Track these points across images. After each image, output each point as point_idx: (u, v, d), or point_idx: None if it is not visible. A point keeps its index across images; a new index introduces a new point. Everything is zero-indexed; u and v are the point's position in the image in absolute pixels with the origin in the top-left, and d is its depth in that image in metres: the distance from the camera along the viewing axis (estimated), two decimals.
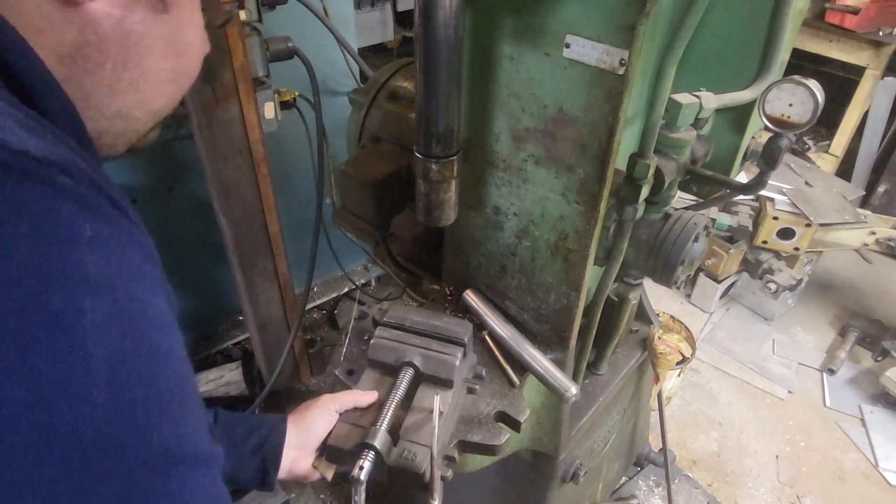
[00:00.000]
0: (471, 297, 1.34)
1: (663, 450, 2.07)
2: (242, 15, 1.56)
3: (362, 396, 1.11)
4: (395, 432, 1.06)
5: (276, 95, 1.81)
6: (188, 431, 0.48)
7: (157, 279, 0.50)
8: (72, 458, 0.40)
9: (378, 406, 1.10)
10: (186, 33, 0.63)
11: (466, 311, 1.35)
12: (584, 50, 0.90)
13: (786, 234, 2.89)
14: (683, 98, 1.12)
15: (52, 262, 0.41)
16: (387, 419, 1.04)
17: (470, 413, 1.17)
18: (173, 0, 0.59)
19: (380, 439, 1.01)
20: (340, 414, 1.09)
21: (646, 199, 1.15)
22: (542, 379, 1.23)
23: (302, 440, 1.04)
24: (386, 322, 1.21)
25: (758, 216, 3.01)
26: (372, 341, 1.18)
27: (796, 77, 1.09)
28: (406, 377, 1.12)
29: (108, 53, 0.55)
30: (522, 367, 1.25)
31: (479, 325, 1.31)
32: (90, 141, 0.58)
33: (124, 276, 0.46)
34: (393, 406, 1.07)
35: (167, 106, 0.66)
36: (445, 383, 1.12)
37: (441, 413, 1.06)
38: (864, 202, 3.76)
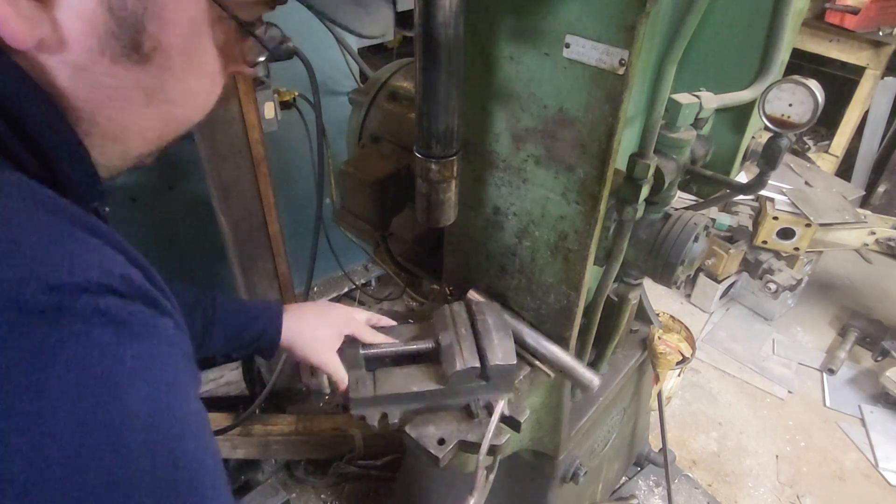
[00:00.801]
0: (474, 297, 1.34)
1: (663, 450, 2.07)
2: None
3: (376, 337, 1.19)
4: (375, 365, 1.18)
5: (276, 95, 1.82)
6: None
7: (191, 378, 0.49)
8: None
9: (384, 336, 1.20)
10: (183, 82, 0.56)
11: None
12: (584, 50, 0.90)
13: (786, 234, 2.89)
14: (683, 98, 1.12)
15: (93, 416, 0.39)
16: (377, 350, 1.16)
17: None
18: (158, 49, 0.52)
19: (349, 355, 1.13)
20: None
21: (646, 199, 1.15)
22: (567, 373, 1.24)
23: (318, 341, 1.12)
24: (477, 306, 1.24)
25: (758, 216, 3.01)
26: (444, 305, 1.24)
27: (796, 77, 1.09)
28: (422, 345, 1.19)
29: (66, 108, 0.50)
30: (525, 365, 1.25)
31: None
32: (100, 185, 0.55)
33: (167, 399, 0.44)
34: (392, 349, 1.18)
35: (156, 150, 0.61)
36: (442, 378, 1.14)
37: (415, 392, 1.14)
38: (864, 202, 3.76)
